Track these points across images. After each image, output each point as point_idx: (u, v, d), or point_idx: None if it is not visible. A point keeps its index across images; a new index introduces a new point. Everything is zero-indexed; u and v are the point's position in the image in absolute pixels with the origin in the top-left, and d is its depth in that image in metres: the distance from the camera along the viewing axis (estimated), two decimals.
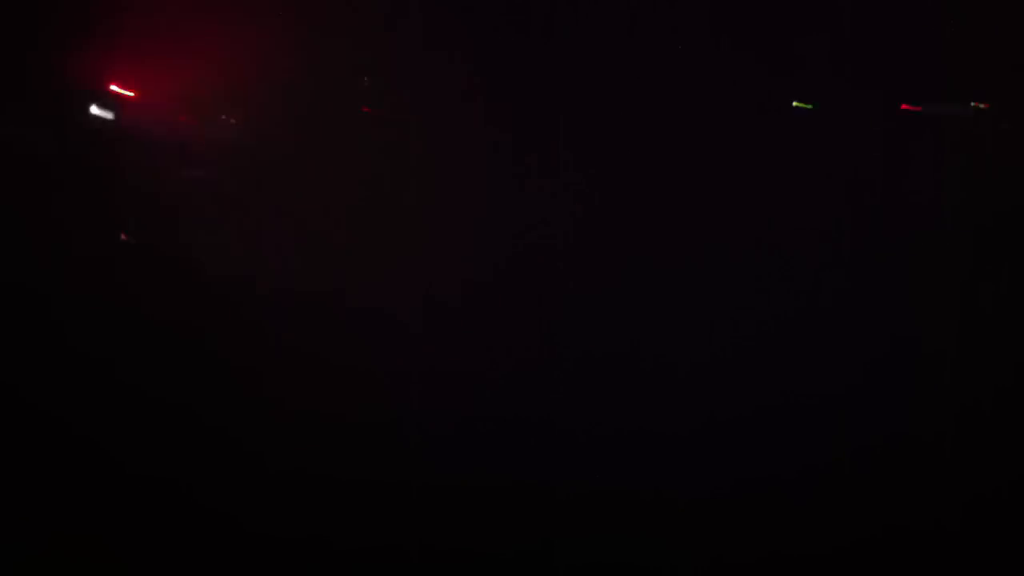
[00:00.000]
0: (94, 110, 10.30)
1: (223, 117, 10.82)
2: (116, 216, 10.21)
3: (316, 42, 10.67)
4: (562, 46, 10.36)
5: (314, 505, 8.11)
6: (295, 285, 9.75)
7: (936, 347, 9.27)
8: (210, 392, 8.89)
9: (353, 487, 8.25)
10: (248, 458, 8.40)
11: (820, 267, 9.80)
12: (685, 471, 8.38)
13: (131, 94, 10.42)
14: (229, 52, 10.48)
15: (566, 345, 9.46)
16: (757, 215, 10.03)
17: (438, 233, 10.01)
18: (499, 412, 8.93)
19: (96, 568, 7.56)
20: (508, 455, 8.58)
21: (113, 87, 10.37)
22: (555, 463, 8.52)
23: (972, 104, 10.11)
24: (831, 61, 10.15)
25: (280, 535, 7.84)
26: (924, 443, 8.64)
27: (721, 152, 10.07)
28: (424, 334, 9.59)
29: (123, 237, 10.29)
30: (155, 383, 8.90)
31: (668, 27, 10.26)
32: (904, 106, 10.29)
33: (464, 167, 10.25)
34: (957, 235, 9.63)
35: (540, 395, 9.10)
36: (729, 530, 7.96)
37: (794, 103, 10.43)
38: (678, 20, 10.25)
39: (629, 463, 8.56)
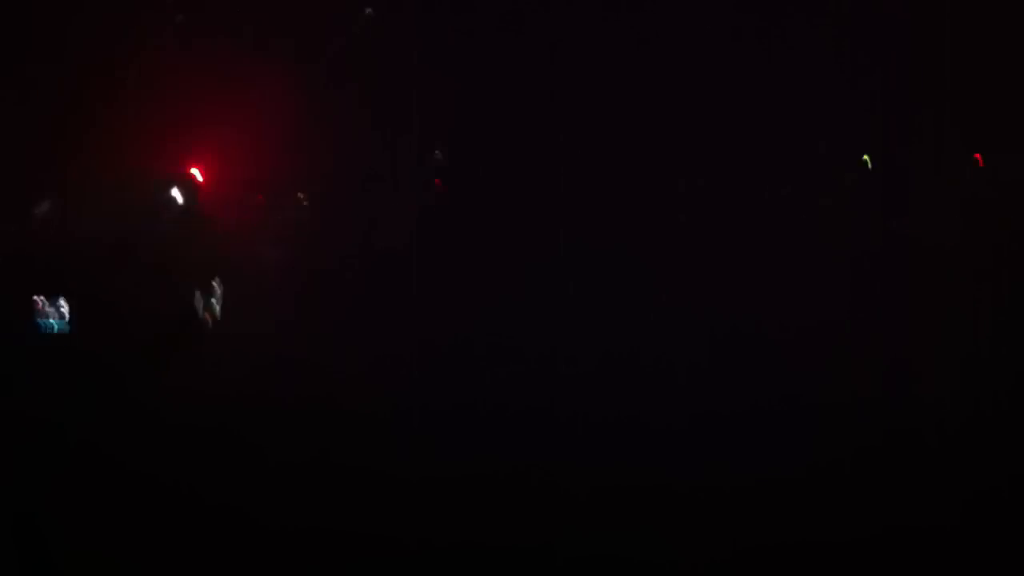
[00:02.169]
0: (174, 193, 10.84)
1: (298, 196, 11.32)
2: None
3: (386, 119, 11.16)
4: None
5: (316, 496, 8.32)
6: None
7: (936, 348, 9.25)
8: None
9: (355, 476, 8.48)
10: (250, 450, 8.70)
11: (821, 270, 9.89)
12: (686, 469, 8.46)
13: (207, 177, 10.97)
14: (303, 133, 11.01)
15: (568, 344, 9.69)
16: (757, 219, 10.18)
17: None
18: (501, 409, 9.16)
19: (101, 564, 7.79)
20: (510, 450, 8.75)
21: (192, 170, 10.93)
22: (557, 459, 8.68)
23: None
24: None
25: (282, 526, 8.02)
26: (924, 443, 8.61)
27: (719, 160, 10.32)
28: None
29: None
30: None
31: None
32: None
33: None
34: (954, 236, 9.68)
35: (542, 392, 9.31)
36: (728, 526, 7.99)
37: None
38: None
39: (630, 458, 8.69)
